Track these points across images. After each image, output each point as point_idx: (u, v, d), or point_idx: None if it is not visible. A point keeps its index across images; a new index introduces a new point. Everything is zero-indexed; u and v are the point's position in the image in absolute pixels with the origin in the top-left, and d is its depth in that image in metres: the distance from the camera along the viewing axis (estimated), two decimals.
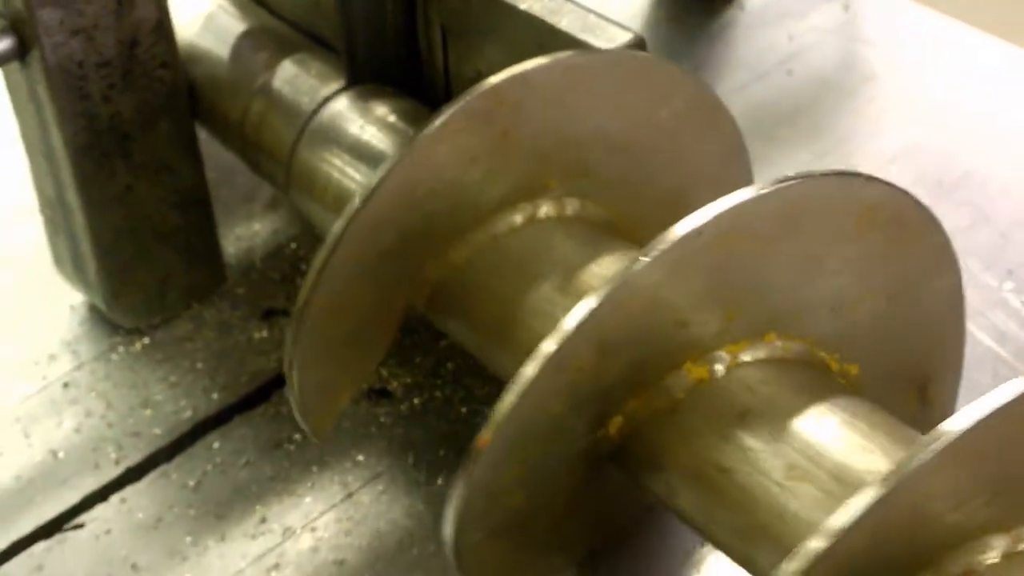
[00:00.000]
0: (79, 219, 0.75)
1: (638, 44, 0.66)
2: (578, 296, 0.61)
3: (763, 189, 0.55)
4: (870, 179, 0.57)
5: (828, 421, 0.55)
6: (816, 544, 0.46)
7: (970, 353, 0.67)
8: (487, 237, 0.65)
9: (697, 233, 0.54)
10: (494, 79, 0.62)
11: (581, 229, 0.65)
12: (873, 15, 0.98)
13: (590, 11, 0.66)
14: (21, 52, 0.70)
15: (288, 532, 0.70)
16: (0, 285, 0.85)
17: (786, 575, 0.46)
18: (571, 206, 0.66)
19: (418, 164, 0.62)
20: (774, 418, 0.55)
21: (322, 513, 0.71)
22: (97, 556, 0.70)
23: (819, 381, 0.57)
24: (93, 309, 0.82)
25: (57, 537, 0.71)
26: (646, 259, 0.54)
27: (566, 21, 0.66)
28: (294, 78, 0.75)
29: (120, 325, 0.81)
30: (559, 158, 0.65)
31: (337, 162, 0.72)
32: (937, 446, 0.46)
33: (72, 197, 0.74)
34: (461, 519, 0.56)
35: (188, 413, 0.76)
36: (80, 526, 0.72)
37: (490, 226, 0.65)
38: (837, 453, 0.53)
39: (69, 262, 0.79)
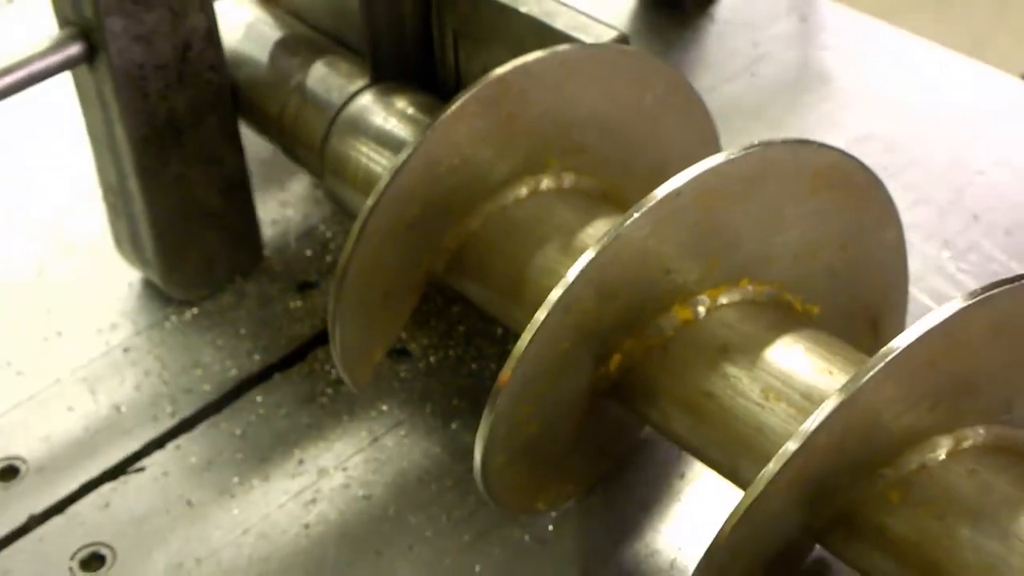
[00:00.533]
0: (138, 204, 0.78)
1: (623, 40, 0.69)
2: (576, 254, 0.65)
3: (732, 155, 0.59)
4: (822, 146, 0.61)
5: (795, 350, 0.59)
6: (791, 445, 0.50)
7: (912, 313, 0.70)
8: (497, 207, 0.68)
9: (676, 193, 0.59)
10: (500, 70, 0.65)
11: (577, 199, 0.69)
12: (828, 25, 1.01)
13: (581, 13, 0.70)
14: (90, 56, 0.73)
15: (322, 472, 0.73)
16: (67, 265, 0.86)
17: (768, 474, 0.50)
18: (568, 179, 0.69)
19: (439, 144, 0.65)
20: (750, 350, 0.59)
21: (352, 455, 0.74)
22: (156, 495, 0.72)
23: (786, 319, 0.62)
24: (148, 284, 0.84)
25: (121, 479, 0.73)
26: (636, 215, 0.58)
27: (561, 21, 0.69)
28: (324, 77, 0.78)
29: (173, 297, 0.83)
30: (557, 138, 0.68)
31: (364, 149, 0.75)
32: (885, 360, 0.51)
33: (133, 184, 0.77)
34: (487, 444, 0.60)
35: (233, 372, 0.78)
36: (141, 469, 0.74)
37: (500, 198, 0.68)
38: (804, 376, 0.57)
39: (128, 243, 0.82)
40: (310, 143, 0.78)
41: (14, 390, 0.78)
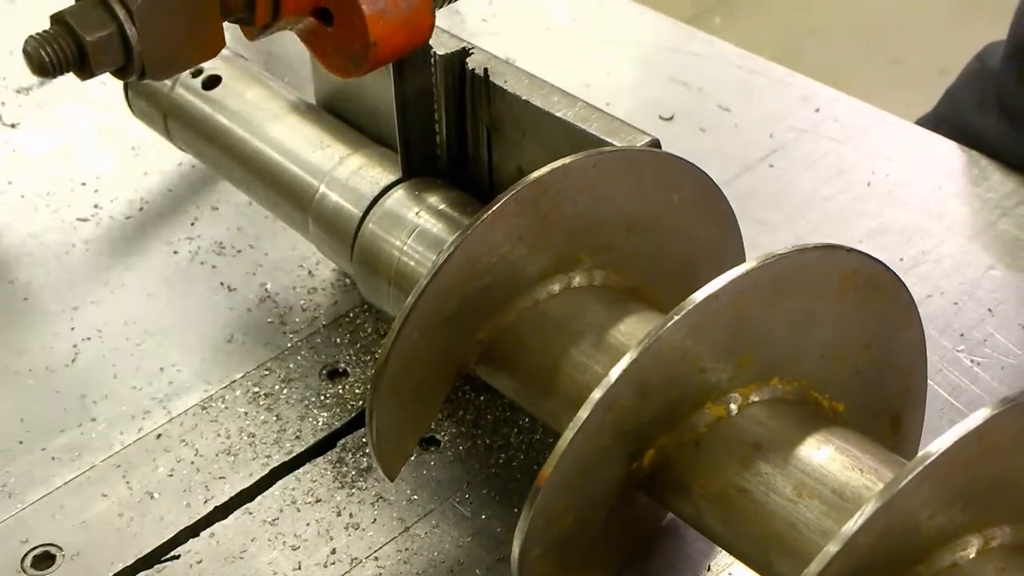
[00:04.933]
0: None
1: (654, 144, 0.73)
2: (610, 350, 0.67)
3: (766, 260, 0.62)
4: (850, 250, 0.65)
5: (825, 448, 0.62)
6: (832, 548, 0.53)
7: (930, 405, 0.73)
8: (531, 302, 0.71)
9: (715, 296, 0.62)
10: (539, 172, 0.68)
11: (608, 295, 0.72)
12: (840, 116, 1.05)
13: (615, 118, 0.73)
14: None
15: (355, 561, 0.75)
16: (100, 349, 0.89)
17: (811, 575, 0.53)
18: (599, 276, 0.73)
19: (479, 242, 0.68)
20: (782, 447, 0.62)
21: (383, 544, 0.76)
22: None
23: (815, 416, 0.65)
24: (181, 371, 0.86)
25: (156, 567, 0.75)
26: (677, 318, 0.61)
27: (595, 126, 0.73)
28: (358, 170, 0.82)
29: (205, 382, 0.85)
30: (589, 236, 0.71)
31: (396, 243, 0.78)
32: (923, 464, 0.53)
33: None
34: (526, 539, 0.63)
35: (265, 459, 0.81)
36: (176, 557, 0.76)
37: (533, 293, 0.71)
38: (836, 474, 0.60)
39: None
40: (342, 235, 0.81)
41: (49, 476, 0.81)
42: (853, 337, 0.67)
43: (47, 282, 0.94)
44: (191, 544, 0.77)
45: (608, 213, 0.71)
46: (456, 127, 0.80)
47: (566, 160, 0.69)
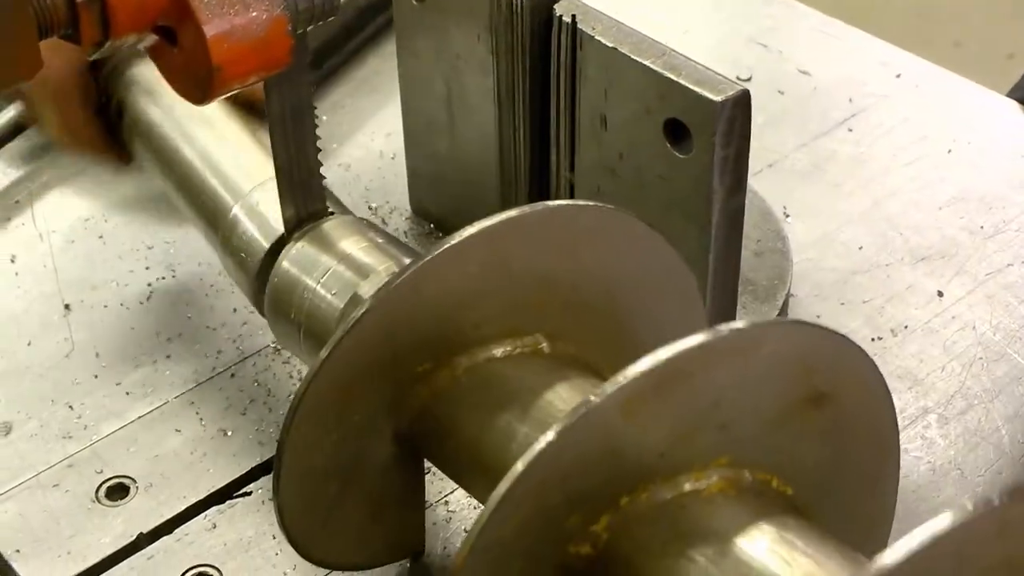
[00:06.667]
0: None
1: (743, 98, 0.71)
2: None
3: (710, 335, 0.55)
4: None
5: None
6: None
7: (1008, 374, 0.74)
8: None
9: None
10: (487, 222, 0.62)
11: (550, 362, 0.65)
12: (921, 83, 1.04)
13: (706, 67, 0.71)
14: None
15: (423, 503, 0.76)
16: (175, 289, 0.89)
17: None
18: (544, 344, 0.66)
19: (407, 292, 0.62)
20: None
21: (454, 489, 0.77)
22: (263, 518, 0.75)
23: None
24: (254, 312, 0.86)
25: (228, 502, 0.76)
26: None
27: (684, 74, 0.70)
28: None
29: None
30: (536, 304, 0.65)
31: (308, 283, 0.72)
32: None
33: None
34: None
35: None
36: (248, 493, 0.77)
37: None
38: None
39: None
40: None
41: (124, 410, 0.82)
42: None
43: (122, 220, 0.95)
44: (262, 481, 0.78)
45: (557, 274, 0.66)
46: (540, 79, 0.79)
47: (513, 212, 0.64)
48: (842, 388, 0.60)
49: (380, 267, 0.71)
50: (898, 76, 1.04)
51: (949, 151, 0.98)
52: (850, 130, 1.00)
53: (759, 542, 0.56)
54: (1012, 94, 1.06)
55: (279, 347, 0.85)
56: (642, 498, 0.58)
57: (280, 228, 0.75)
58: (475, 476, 0.66)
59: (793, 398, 0.59)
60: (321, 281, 0.72)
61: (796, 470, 0.60)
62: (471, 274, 0.64)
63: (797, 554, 0.55)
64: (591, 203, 0.67)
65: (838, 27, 1.09)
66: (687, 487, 0.58)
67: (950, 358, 0.84)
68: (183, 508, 0.76)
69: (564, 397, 0.63)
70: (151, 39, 0.62)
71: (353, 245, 0.73)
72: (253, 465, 0.78)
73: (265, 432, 0.80)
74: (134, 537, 0.75)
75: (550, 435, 0.54)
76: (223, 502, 0.77)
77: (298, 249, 0.74)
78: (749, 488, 0.59)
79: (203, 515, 0.76)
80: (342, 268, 0.72)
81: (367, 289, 0.69)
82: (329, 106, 1.03)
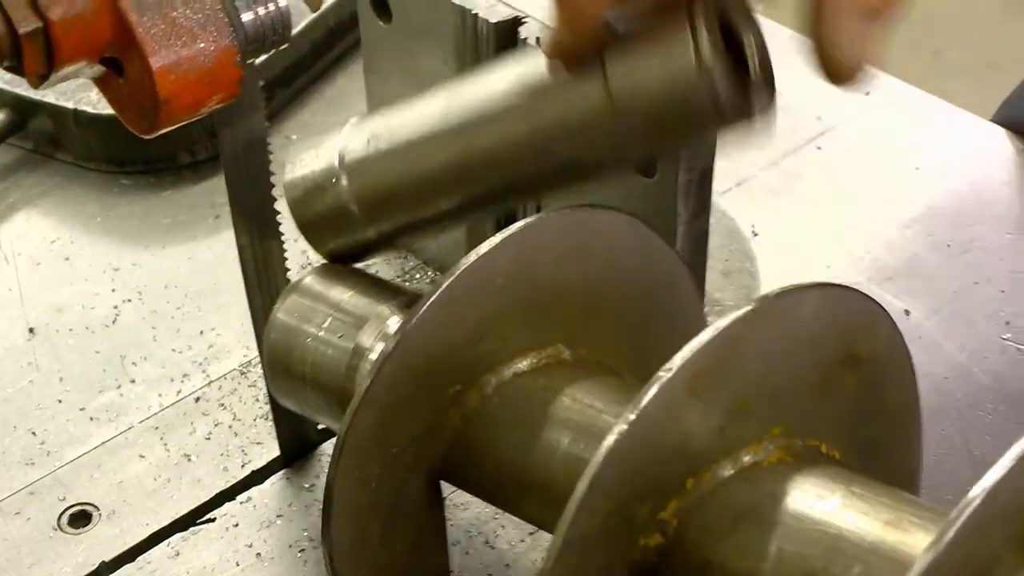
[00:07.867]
0: None
1: None
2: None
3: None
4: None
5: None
6: None
7: (973, 393, 0.74)
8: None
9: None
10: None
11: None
12: (891, 100, 1.03)
13: None
14: None
15: None
16: (141, 311, 0.89)
17: None
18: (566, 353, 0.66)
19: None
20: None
21: None
22: (226, 546, 0.75)
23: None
24: (220, 334, 0.87)
25: (191, 529, 0.76)
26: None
27: None
28: None
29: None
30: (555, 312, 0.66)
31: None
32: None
33: None
34: None
35: (306, 426, 0.80)
36: (211, 520, 0.76)
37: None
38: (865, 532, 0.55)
39: None
40: None
41: (87, 436, 0.81)
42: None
43: (88, 242, 0.94)
44: (227, 507, 0.77)
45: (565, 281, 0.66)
46: None
47: (532, 219, 0.64)
48: (874, 350, 0.62)
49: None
50: (867, 94, 1.04)
51: (917, 168, 0.98)
52: (819, 148, 1.00)
53: (830, 501, 0.57)
54: (996, 118, 1.05)
55: (244, 371, 0.84)
56: (706, 478, 0.58)
57: None
58: (520, 493, 0.65)
59: (832, 360, 0.60)
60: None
61: (839, 435, 0.61)
62: (499, 286, 0.64)
63: (872, 505, 0.56)
64: (600, 207, 0.67)
65: (807, 43, 1.09)
66: (746, 460, 0.58)
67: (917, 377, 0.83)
68: (146, 536, 0.76)
69: (600, 401, 0.63)
70: (99, 70, 0.61)
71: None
72: (217, 491, 0.78)
73: (230, 457, 0.80)
74: (96, 566, 0.75)
75: (622, 424, 0.54)
76: (186, 529, 0.76)
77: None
78: (804, 455, 0.60)
79: (166, 542, 0.76)
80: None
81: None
82: (299, 125, 1.03)
